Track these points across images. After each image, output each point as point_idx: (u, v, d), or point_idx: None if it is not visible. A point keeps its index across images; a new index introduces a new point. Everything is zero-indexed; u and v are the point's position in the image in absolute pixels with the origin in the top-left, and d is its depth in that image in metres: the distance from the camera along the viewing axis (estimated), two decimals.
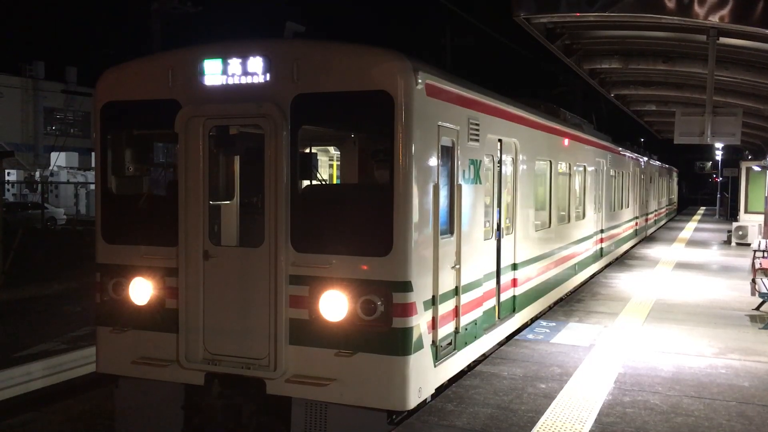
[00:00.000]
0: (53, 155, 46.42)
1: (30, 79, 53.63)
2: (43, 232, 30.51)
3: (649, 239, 27.28)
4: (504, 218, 9.47)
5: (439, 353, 7.04)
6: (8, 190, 41.60)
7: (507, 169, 9.64)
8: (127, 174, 7.65)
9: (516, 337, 10.09)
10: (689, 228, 34.41)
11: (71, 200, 41.15)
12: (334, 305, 6.43)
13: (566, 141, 13.08)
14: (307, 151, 8.10)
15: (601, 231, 17.03)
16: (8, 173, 42.55)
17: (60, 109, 55.72)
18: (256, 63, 6.68)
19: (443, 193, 7.09)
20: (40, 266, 20.16)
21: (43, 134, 53.76)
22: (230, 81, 6.78)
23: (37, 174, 46.44)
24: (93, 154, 7.96)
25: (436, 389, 7.18)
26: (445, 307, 7.16)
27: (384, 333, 6.32)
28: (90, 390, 10.65)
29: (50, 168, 46.40)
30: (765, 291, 11.62)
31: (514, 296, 9.85)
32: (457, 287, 7.45)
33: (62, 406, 10.36)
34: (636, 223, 24.17)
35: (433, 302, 6.86)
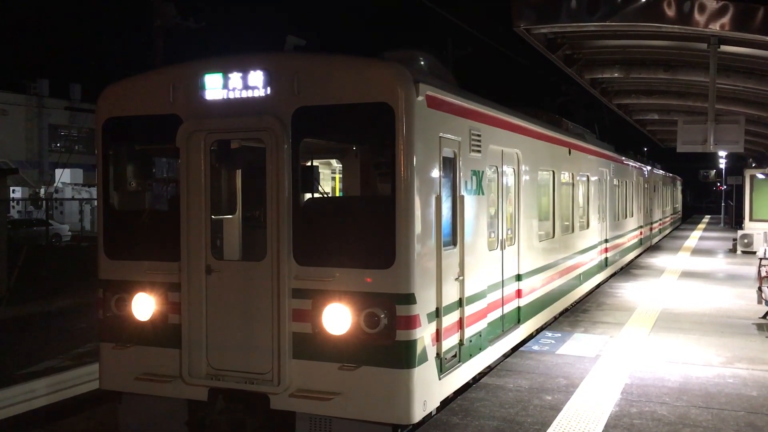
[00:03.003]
0: (58, 172, 46.58)
1: (34, 96, 53.94)
2: (48, 248, 30.56)
3: (654, 248, 27.19)
4: (507, 229, 9.44)
5: (444, 366, 6.99)
6: (13, 207, 41.72)
7: (509, 179, 9.62)
8: (130, 189, 7.64)
9: (521, 348, 10.03)
10: (694, 236, 34.30)
11: (76, 216, 41.25)
12: (337, 318, 6.40)
13: (569, 151, 13.06)
14: (309, 164, 8.09)
15: (606, 240, 16.97)
16: (13, 190, 42.68)
17: (64, 126, 55.96)
18: (256, 77, 6.68)
19: (446, 205, 7.07)
20: (44, 283, 20.18)
21: (47, 151, 53.98)
22: (231, 95, 6.78)
23: (42, 191, 46.57)
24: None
25: (441, 402, 7.13)
26: (449, 319, 7.12)
27: (388, 346, 6.27)
28: (94, 407, 10.61)
29: (55, 184, 46.55)
30: None
31: (518, 307, 9.79)
32: (461, 299, 7.41)
33: (66, 423, 10.32)
34: (640, 233, 24.10)
35: (437, 314, 6.82)
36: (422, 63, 7.96)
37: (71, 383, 10.84)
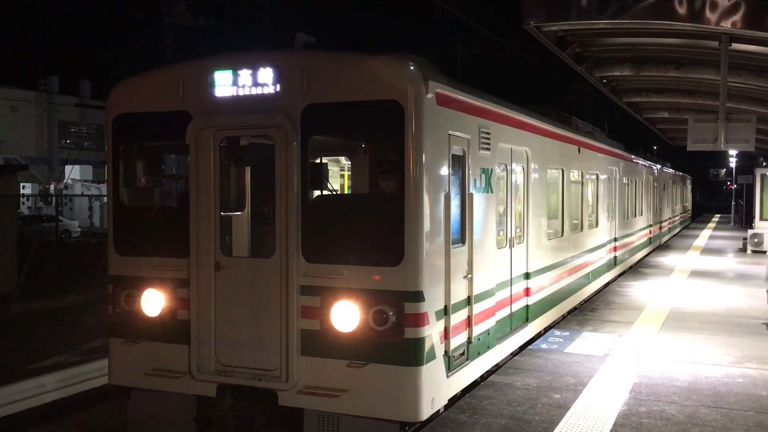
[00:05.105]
0: (67, 168, 46.83)
1: (44, 93, 54.19)
2: (58, 244, 30.70)
3: (663, 247, 27.08)
4: (516, 227, 9.42)
5: (452, 363, 6.98)
6: (23, 203, 41.97)
7: (518, 177, 9.60)
8: (139, 186, 7.67)
9: (529, 346, 10.01)
10: (704, 236, 34.13)
11: (85, 213, 41.46)
12: (346, 316, 6.40)
13: (578, 149, 13.02)
14: (318, 161, 8.10)
15: (615, 239, 16.91)
16: (23, 186, 42.94)
17: (74, 123, 56.21)
18: (266, 74, 6.69)
19: (454, 203, 7.06)
20: (54, 279, 20.29)
21: (57, 148, 54.23)
22: (241, 92, 6.80)
23: (52, 187, 46.81)
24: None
25: (449, 400, 7.12)
26: (458, 317, 7.12)
27: (396, 343, 6.28)
28: (103, 402, 10.66)
29: (65, 181, 46.78)
30: None
31: (527, 305, 9.78)
32: (469, 297, 7.41)
33: (76, 418, 10.38)
34: (650, 231, 24.00)
35: (445, 312, 6.81)
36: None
37: (80, 378, 10.92)
